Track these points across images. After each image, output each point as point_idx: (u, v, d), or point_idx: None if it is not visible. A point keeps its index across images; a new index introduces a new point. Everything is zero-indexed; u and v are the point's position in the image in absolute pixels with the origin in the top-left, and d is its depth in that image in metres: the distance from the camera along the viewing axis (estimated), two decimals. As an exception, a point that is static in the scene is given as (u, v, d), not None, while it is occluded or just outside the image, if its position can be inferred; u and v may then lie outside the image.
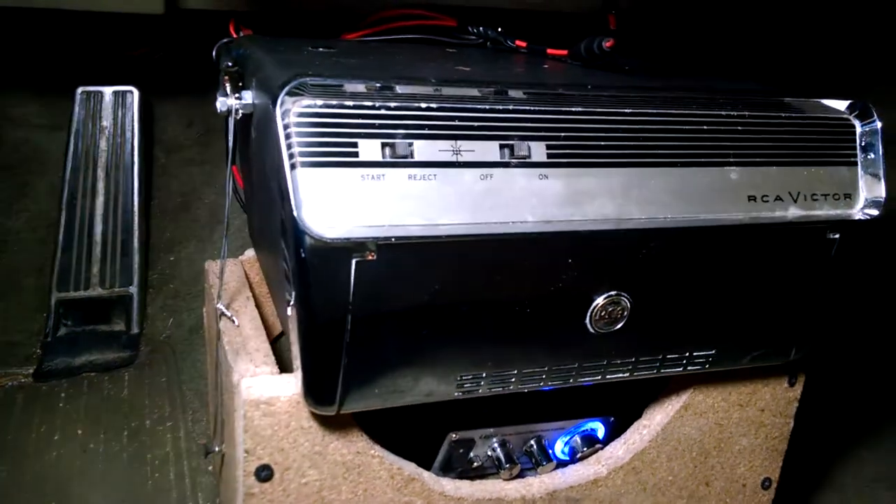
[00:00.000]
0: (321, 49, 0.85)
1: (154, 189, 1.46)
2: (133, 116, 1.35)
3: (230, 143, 0.78)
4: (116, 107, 1.34)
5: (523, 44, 1.01)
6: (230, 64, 0.82)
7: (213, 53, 0.97)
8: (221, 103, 0.76)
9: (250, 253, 1.05)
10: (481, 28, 1.04)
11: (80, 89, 1.32)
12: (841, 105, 0.81)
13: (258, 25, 1.04)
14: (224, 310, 0.84)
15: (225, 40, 0.97)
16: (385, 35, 1.05)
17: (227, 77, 0.79)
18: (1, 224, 1.37)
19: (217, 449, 0.88)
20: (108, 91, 1.34)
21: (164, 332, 1.38)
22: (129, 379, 1.30)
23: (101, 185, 1.35)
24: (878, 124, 0.80)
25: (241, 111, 0.76)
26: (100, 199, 1.35)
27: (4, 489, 1.05)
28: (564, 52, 0.94)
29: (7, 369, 1.30)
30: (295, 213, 0.59)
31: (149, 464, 1.13)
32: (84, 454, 1.13)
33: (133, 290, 1.37)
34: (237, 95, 0.75)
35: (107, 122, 1.34)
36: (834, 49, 1.52)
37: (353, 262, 0.61)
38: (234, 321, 0.84)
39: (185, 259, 1.44)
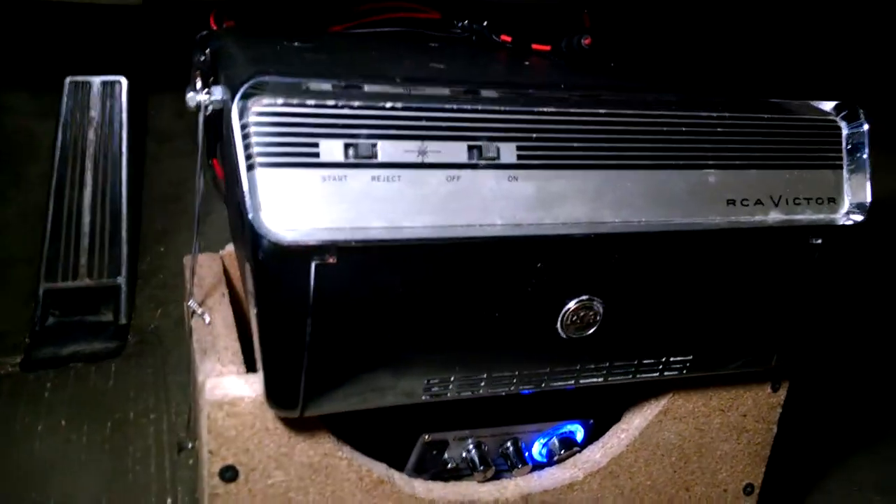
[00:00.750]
0: (297, 44, 0.83)
1: (145, 179, 1.45)
2: (122, 106, 1.34)
3: (200, 140, 0.76)
4: (105, 97, 1.33)
5: (508, 38, 0.99)
6: (202, 58, 0.81)
7: (194, 43, 0.96)
8: (191, 98, 0.74)
9: (231, 247, 1.04)
10: (466, 22, 1.02)
11: (68, 79, 1.32)
12: (827, 106, 0.79)
13: (244, 16, 1.02)
14: (195, 307, 0.84)
15: (203, 32, 0.95)
16: (369, 27, 1.03)
17: (197, 72, 0.78)
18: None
19: (190, 446, 0.88)
20: (96, 81, 1.33)
21: (151, 323, 1.38)
22: (116, 370, 1.30)
23: (89, 176, 1.34)
24: (866, 126, 0.78)
25: (210, 107, 0.75)
26: (88, 190, 1.34)
27: (-17, 479, 1.05)
28: (548, 47, 0.92)
29: (-6, 358, 1.30)
30: (251, 215, 0.58)
31: (130, 456, 1.13)
32: (67, 445, 1.13)
33: (121, 280, 1.36)
34: (207, 91, 0.74)
35: (95, 112, 1.33)
36: (833, 49, 1.49)
37: (313, 265, 0.60)
38: (205, 319, 0.83)
39: (175, 250, 1.44)
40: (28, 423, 1.17)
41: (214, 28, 0.99)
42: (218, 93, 0.74)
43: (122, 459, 1.11)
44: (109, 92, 1.33)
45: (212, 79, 0.76)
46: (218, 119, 0.77)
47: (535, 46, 0.94)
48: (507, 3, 0.99)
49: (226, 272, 0.98)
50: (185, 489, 1.07)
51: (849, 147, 0.78)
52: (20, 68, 1.34)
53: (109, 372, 1.29)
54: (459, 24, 1.04)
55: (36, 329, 1.33)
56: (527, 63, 0.87)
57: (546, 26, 0.96)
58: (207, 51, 0.84)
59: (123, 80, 1.34)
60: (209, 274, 0.95)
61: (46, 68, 1.33)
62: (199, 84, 0.76)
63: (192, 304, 0.84)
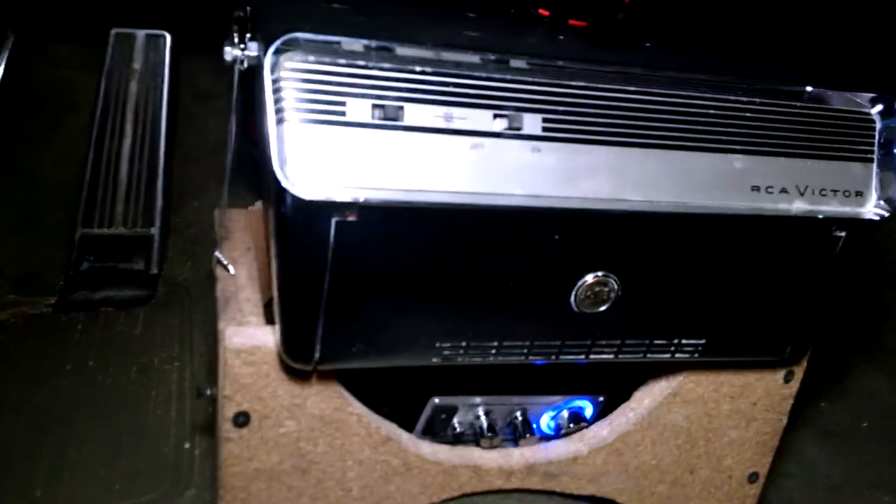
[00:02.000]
0: (335, 4, 0.84)
1: (182, 134, 1.48)
2: (164, 60, 1.37)
3: (234, 94, 0.78)
4: (148, 50, 1.36)
5: (546, 13, 0.99)
6: (241, 13, 0.82)
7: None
8: (228, 53, 0.76)
9: (260, 204, 1.06)
10: (505, -7, 1.02)
11: (113, 31, 1.34)
12: (862, 98, 0.78)
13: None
14: (220, 257, 0.86)
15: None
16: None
17: (235, 26, 0.79)
18: (32, 155, 1.41)
19: (209, 392, 0.91)
20: (140, 34, 1.35)
21: (181, 275, 1.41)
22: (144, 317, 1.33)
23: (129, 127, 1.37)
24: (900, 122, 0.77)
25: (246, 62, 0.76)
26: (127, 141, 1.37)
27: (11, 413, 1.09)
28: (585, 23, 0.92)
29: (29, 297, 1.34)
30: (276, 169, 0.60)
31: (153, 400, 1.16)
32: (92, 385, 1.17)
33: (154, 231, 1.40)
34: (243, 46, 0.76)
35: (138, 64, 1.36)
36: (874, 40, 1.46)
37: (334, 221, 0.62)
38: (229, 270, 0.85)
39: (208, 206, 1.46)
40: (56, 362, 1.21)
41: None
42: (253, 48, 0.76)
43: (144, 403, 1.15)
44: (153, 45, 1.36)
45: (249, 35, 0.78)
46: (252, 74, 0.79)
47: (571, 22, 0.94)
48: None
49: (253, 228, 1.01)
50: (203, 435, 1.10)
51: (881, 141, 0.77)
52: (66, 19, 1.36)
53: (138, 319, 1.33)
54: (498, -4, 1.04)
55: (70, 273, 1.36)
56: (561, 37, 0.87)
57: (585, 2, 0.96)
58: (247, 6, 0.85)
59: (167, 35, 1.36)
60: (237, 228, 0.98)
61: (92, 20, 1.36)
62: (236, 39, 0.78)
63: (218, 254, 0.86)
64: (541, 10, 0.99)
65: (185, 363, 1.24)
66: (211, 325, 1.19)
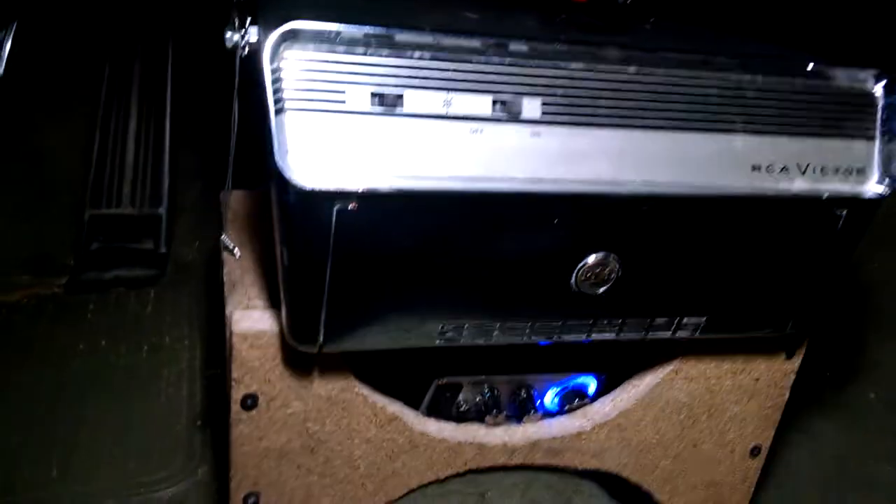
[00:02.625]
0: (335, -13, 0.84)
1: (189, 115, 1.48)
2: (168, 42, 1.37)
3: (236, 80, 0.78)
4: (153, 34, 1.36)
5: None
6: (242, -1, 0.82)
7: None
8: (229, 39, 0.76)
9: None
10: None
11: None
12: (865, 74, 0.77)
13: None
14: (227, 241, 0.87)
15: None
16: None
17: (235, 10, 0.79)
18: (40, 137, 1.42)
19: (219, 371, 0.93)
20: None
21: (189, 254, 1.43)
22: (154, 297, 1.36)
23: (134, 108, 1.38)
24: (903, 101, 0.77)
25: (247, 47, 0.76)
26: (133, 122, 1.38)
27: (25, 393, 1.12)
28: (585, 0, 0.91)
29: (41, 279, 1.37)
30: (277, 158, 0.60)
31: (164, 379, 1.19)
32: (105, 366, 1.20)
33: (162, 211, 1.41)
34: (244, 31, 0.76)
35: (143, 47, 1.36)
36: (875, 16, 1.45)
37: (335, 209, 0.62)
38: (235, 253, 0.86)
39: (214, 185, 1.47)
40: (70, 343, 1.23)
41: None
42: (254, 33, 0.76)
43: (156, 382, 1.17)
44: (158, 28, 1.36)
45: (249, 19, 0.78)
46: (254, 59, 0.79)
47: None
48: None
49: (258, 209, 1.01)
50: (213, 413, 1.13)
51: (883, 118, 0.77)
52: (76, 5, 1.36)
53: (148, 298, 1.35)
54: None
55: (80, 253, 1.38)
56: (563, 16, 0.86)
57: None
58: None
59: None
60: (242, 210, 0.99)
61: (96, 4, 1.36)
62: (237, 21, 0.78)
63: (224, 238, 0.87)
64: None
65: (194, 342, 1.26)
66: (218, 305, 1.22)
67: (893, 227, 1.59)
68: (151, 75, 1.39)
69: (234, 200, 1.01)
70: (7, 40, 1.29)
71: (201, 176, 1.49)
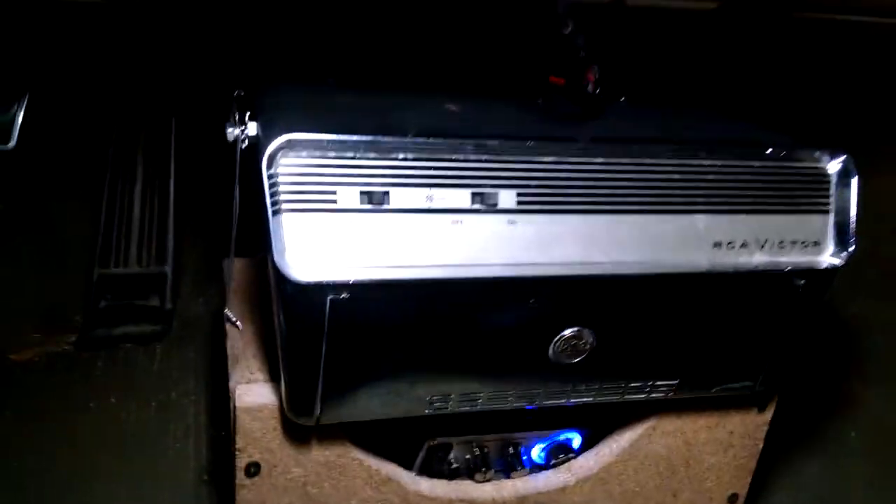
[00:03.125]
0: (329, 80, 0.91)
1: (192, 173, 1.54)
2: (173, 108, 1.44)
3: (237, 169, 0.85)
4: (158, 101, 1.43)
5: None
6: (241, 93, 0.89)
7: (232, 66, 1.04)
8: (229, 133, 0.83)
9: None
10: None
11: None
12: (818, 153, 0.84)
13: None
14: (229, 315, 0.93)
15: (241, 57, 1.03)
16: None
17: (236, 105, 0.86)
18: (49, 200, 1.49)
19: (224, 433, 0.98)
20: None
21: (194, 310, 1.49)
22: (161, 352, 1.41)
23: (139, 171, 1.45)
24: (855, 177, 0.83)
25: (247, 141, 0.83)
26: (139, 185, 1.45)
27: (41, 450, 1.17)
28: (562, 80, 0.98)
29: (51, 336, 1.42)
30: (276, 256, 0.67)
31: (171, 434, 1.24)
32: (115, 423, 1.25)
33: (167, 269, 1.47)
34: (243, 127, 0.82)
35: (148, 114, 1.43)
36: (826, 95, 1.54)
37: (329, 299, 0.69)
38: (237, 326, 0.92)
39: (217, 242, 1.53)
40: (81, 400, 1.29)
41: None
42: (253, 128, 0.82)
43: (164, 438, 1.23)
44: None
45: (248, 113, 0.84)
46: (253, 150, 0.86)
47: (551, 79, 1.00)
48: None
49: (258, 278, 1.08)
50: (219, 467, 1.18)
51: (837, 193, 0.83)
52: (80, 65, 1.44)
53: (155, 354, 1.40)
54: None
55: (89, 311, 1.44)
56: (539, 101, 0.93)
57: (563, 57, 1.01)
58: (247, 83, 0.92)
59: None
60: (244, 280, 1.05)
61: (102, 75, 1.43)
62: (236, 116, 0.84)
63: (227, 311, 0.93)
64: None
65: (200, 397, 1.32)
66: (223, 363, 1.27)
67: (872, 274, 1.66)
68: (156, 139, 1.45)
69: (236, 269, 1.07)
70: (19, 112, 1.36)
71: (204, 234, 1.55)
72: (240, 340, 0.91)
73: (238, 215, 0.91)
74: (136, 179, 1.45)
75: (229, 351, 0.89)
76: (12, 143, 1.36)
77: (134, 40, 1.40)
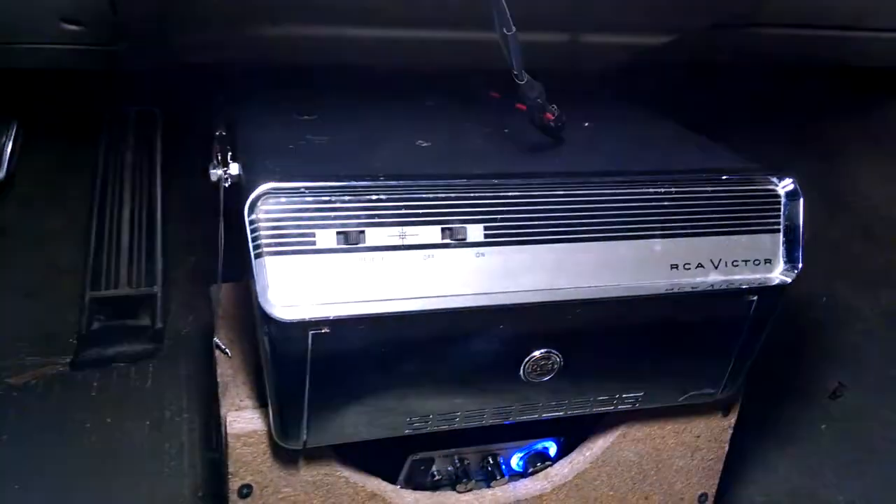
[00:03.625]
0: (305, 117, 0.95)
1: (177, 193, 1.59)
2: (156, 133, 1.48)
3: (221, 207, 0.89)
4: (141, 125, 1.47)
5: (497, 95, 1.10)
6: (222, 132, 0.94)
7: (214, 104, 1.08)
8: (213, 174, 0.87)
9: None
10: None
11: (108, 110, 1.46)
12: (767, 177, 0.89)
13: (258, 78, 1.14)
14: (219, 343, 0.98)
15: (221, 96, 1.07)
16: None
17: (217, 147, 0.91)
18: (39, 225, 1.53)
19: (217, 454, 1.03)
20: (133, 111, 1.47)
21: (184, 328, 1.54)
22: (153, 371, 1.46)
23: (127, 195, 1.49)
24: (802, 199, 0.88)
25: (229, 181, 0.87)
26: (126, 208, 1.49)
27: (40, 471, 1.22)
28: (525, 107, 1.02)
29: (47, 358, 1.47)
30: (259, 296, 0.72)
31: (166, 452, 1.29)
32: (112, 441, 1.30)
33: (157, 289, 1.52)
34: (225, 168, 0.87)
35: (132, 138, 1.47)
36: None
37: (310, 334, 0.74)
38: (227, 353, 0.97)
39: (205, 260, 1.58)
40: (78, 420, 1.33)
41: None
42: (235, 169, 0.87)
43: (159, 456, 1.28)
44: (145, 120, 1.47)
45: (230, 154, 0.89)
46: (236, 188, 0.90)
47: (518, 106, 1.05)
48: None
49: (245, 304, 1.12)
50: (213, 484, 1.23)
51: (786, 213, 0.89)
52: (65, 98, 1.47)
53: (147, 372, 1.45)
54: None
55: (83, 332, 1.48)
56: (506, 130, 0.98)
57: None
58: (226, 122, 0.96)
59: (157, 111, 1.47)
60: (231, 305, 1.09)
61: (86, 99, 1.47)
62: (219, 158, 0.89)
63: (216, 340, 0.98)
64: (493, 94, 1.10)
65: (193, 415, 1.37)
66: (213, 382, 1.32)
67: (847, 264, 1.72)
68: (141, 161, 1.50)
69: (224, 294, 1.11)
70: (7, 143, 1.40)
71: (192, 251, 1.59)
72: (229, 367, 0.96)
73: (224, 244, 0.96)
74: (123, 202, 1.49)
75: (219, 378, 0.94)
76: (1, 174, 1.40)
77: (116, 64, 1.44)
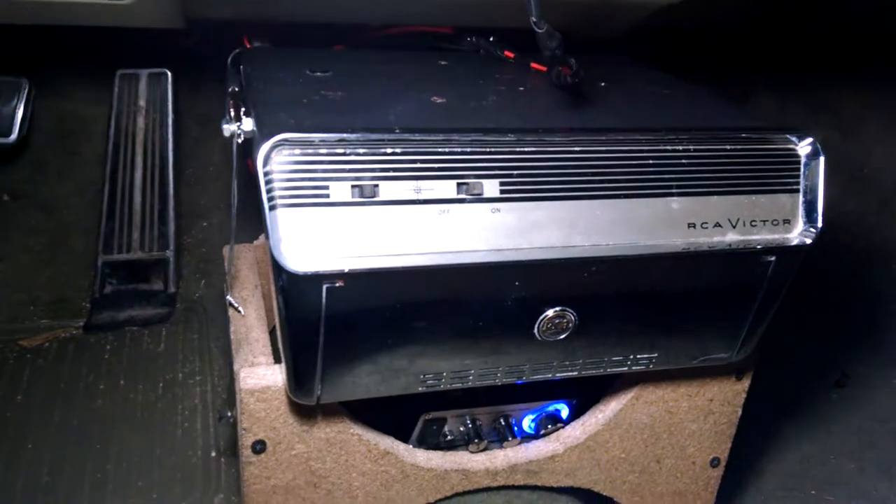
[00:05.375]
0: (318, 73, 0.94)
1: (188, 159, 1.58)
2: (167, 96, 1.47)
3: (234, 163, 0.89)
4: (152, 87, 1.46)
5: (511, 55, 1.09)
6: (236, 88, 0.93)
7: (228, 62, 1.07)
8: (226, 129, 0.87)
9: (264, 238, 1.17)
10: (474, 38, 1.12)
11: (119, 72, 1.45)
12: (787, 136, 0.88)
13: (274, 35, 1.13)
14: (232, 301, 0.98)
15: (237, 51, 1.06)
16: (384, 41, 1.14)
17: (231, 102, 0.90)
18: (52, 189, 1.53)
19: (229, 414, 1.03)
20: (144, 73, 1.46)
21: (196, 292, 1.54)
22: (166, 334, 1.46)
23: (139, 160, 1.48)
24: (822, 157, 0.87)
25: (243, 136, 0.87)
26: (139, 172, 1.49)
27: (54, 433, 1.23)
28: (545, 68, 1.01)
29: (60, 322, 1.48)
30: (273, 249, 0.71)
31: (180, 414, 1.30)
32: (125, 403, 1.31)
33: (169, 253, 1.52)
34: (239, 123, 0.86)
35: (143, 101, 1.47)
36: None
37: (325, 288, 0.73)
38: (240, 311, 0.97)
39: (217, 225, 1.59)
40: (91, 382, 1.34)
41: (248, 47, 1.11)
42: (248, 124, 0.86)
43: (172, 417, 1.28)
44: (156, 83, 1.46)
45: (243, 109, 0.88)
46: (250, 143, 0.90)
47: (533, 65, 1.04)
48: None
49: (259, 262, 1.12)
50: (226, 444, 1.24)
51: (806, 173, 0.87)
52: (76, 60, 1.46)
53: (160, 336, 1.46)
54: (468, 39, 1.13)
55: (95, 296, 1.49)
56: (521, 89, 0.96)
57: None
58: (240, 79, 0.95)
59: (168, 73, 1.46)
60: (244, 265, 1.09)
61: (98, 62, 1.46)
62: (232, 113, 0.88)
63: (229, 298, 0.98)
64: (507, 53, 1.09)
65: (206, 377, 1.37)
66: (226, 342, 1.32)
67: (862, 246, 1.71)
68: (154, 124, 1.49)
69: (237, 255, 1.11)
70: (19, 105, 1.40)
71: (204, 216, 1.59)
72: (242, 325, 0.96)
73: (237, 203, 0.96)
74: (135, 166, 1.48)
75: (233, 336, 0.94)
76: (14, 137, 1.40)
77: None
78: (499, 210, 0.77)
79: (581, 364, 0.90)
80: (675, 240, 0.83)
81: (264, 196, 0.72)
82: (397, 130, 0.76)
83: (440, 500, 0.99)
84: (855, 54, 1.70)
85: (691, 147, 0.84)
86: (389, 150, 0.74)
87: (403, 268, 0.75)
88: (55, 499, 1.13)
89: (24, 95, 1.41)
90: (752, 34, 1.53)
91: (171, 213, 1.52)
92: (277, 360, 0.89)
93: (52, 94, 1.47)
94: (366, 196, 0.74)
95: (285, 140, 0.72)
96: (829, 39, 1.61)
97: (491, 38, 1.11)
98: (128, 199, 1.50)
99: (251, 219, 1.38)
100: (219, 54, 1.18)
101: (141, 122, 1.48)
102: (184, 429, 1.27)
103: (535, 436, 1.04)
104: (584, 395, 1.05)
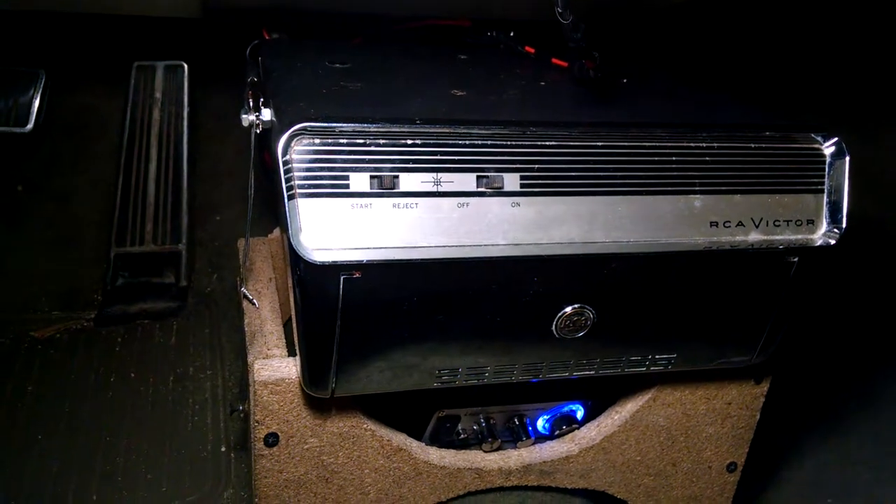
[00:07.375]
0: (337, 65, 0.93)
1: (202, 153, 1.58)
2: (183, 88, 1.47)
3: (252, 153, 0.88)
4: (168, 80, 1.46)
5: (532, 50, 1.08)
6: (254, 79, 0.92)
7: (247, 53, 1.07)
8: (245, 119, 0.86)
9: (278, 232, 1.17)
10: (494, 32, 1.11)
11: (135, 64, 1.44)
12: (813, 135, 0.86)
13: (293, 26, 1.13)
14: (246, 293, 0.97)
15: (255, 42, 1.06)
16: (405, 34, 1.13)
17: (250, 92, 0.89)
18: (66, 180, 1.52)
19: (241, 408, 1.03)
20: (160, 65, 1.45)
21: (208, 286, 1.54)
22: (177, 328, 1.46)
23: (153, 152, 1.48)
24: (848, 157, 0.85)
25: (261, 126, 0.86)
26: (153, 164, 1.48)
27: (66, 424, 1.22)
28: (566, 63, 1.00)
29: (72, 313, 1.47)
30: (291, 238, 0.70)
31: (190, 407, 1.29)
32: (136, 396, 1.30)
33: (182, 247, 1.51)
34: (257, 114, 0.85)
35: (159, 93, 1.46)
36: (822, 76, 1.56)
37: (342, 279, 0.72)
38: (254, 304, 0.96)
39: (230, 219, 1.58)
40: (102, 375, 1.34)
41: (266, 37, 1.10)
42: (267, 115, 0.85)
43: (183, 410, 1.28)
44: (172, 75, 1.46)
45: (262, 100, 0.87)
46: (268, 134, 0.89)
47: (554, 61, 1.03)
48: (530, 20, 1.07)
49: (273, 256, 1.11)
50: (235, 439, 1.23)
51: (830, 174, 0.86)
52: (91, 53, 1.46)
53: (172, 329, 1.45)
54: (488, 34, 1.13)
55: (107, 289, 1.49)
56: (542, 83, 0.95)
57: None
58: (259, 70, 0.95)
59: (184, 65, 1.46)
60: (258, 258, 1.08)
61: (114, 54, 1.46)
62: (251, 104, 0.88)
63: (244, 290, 0.97)
64: (527, 48, 1.08)
65: (216, 371, 1.36)
66: (238, 336, 1.32)
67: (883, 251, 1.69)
68: (168, 117, 1.49)
69: (252, 249, 1.11)
70: (35, 95, 1.40)
71: (217, 211, 1.58)
72: (257, 317, 0.95)
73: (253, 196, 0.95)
74: (150, 159, 1.48)
75: (247, 328, 0.93)
76: (30, 126, 1.39)
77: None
78: (518, 204, 0.76)
79: (598, 363, 0.88)
80: (696, 238, 0.82)
81: (283, 185, 0.71)
82: (418, 122, 0.75)
83: (452, 498, 0.97)
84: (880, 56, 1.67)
85: (715, 144, 0.82)
86: (409, 142, 0.73)
87: (421, 260, 0.74)
88: (64, 489, 1.12)
89: (41, 86, 1.41)
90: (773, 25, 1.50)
91: (185, 207, 1.51)
92: (292, 353, 0.88)
93: (68, 86, 1.47)
94: (385, 187, 0.73)
95: (305, 129, 0.71)
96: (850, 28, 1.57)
97: (511, 34, 1.11)
98: (141, 192, 1.50)
99: (265, 214, 1.37)
100: (234, 50, 1.18)
101: (156, 114, 1.48)
102: (194, 423, 1.26)
103: (549, 436, 1.03)
104: (599, 397, 1.04)
